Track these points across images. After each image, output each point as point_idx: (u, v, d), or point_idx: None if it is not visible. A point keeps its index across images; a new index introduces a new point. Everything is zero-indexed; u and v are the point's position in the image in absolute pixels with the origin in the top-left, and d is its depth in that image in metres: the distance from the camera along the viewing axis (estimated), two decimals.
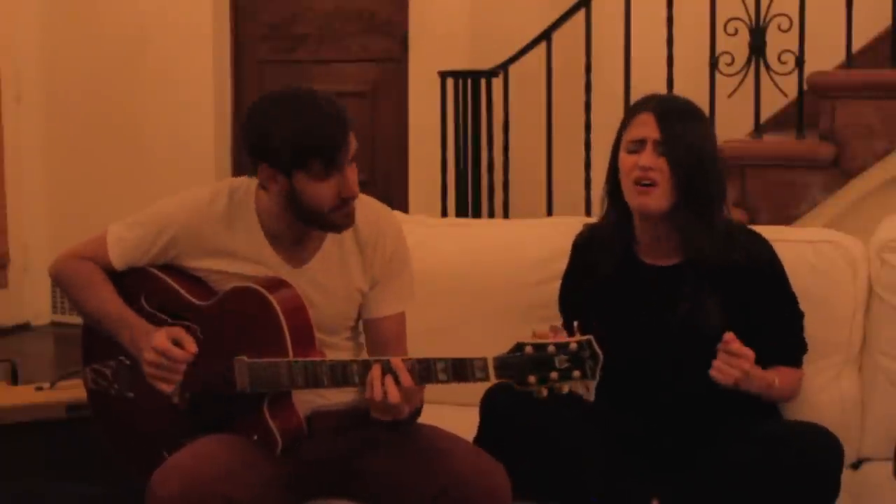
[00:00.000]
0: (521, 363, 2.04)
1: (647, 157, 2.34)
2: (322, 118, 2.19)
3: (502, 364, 2.05)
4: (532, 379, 2.03)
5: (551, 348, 2.02)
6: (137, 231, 2.39)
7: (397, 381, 2.11)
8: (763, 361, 2.34)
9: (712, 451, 2.27)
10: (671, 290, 2.38)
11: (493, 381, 2.07)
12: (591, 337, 2.02)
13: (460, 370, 2.08)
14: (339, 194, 2.23)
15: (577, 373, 2.02)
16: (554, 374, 2.02)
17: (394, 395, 2.10)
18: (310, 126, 2.19)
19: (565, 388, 2.03)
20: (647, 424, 2.38)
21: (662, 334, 2.36)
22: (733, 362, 2.24)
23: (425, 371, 2.11)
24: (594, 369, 2.01)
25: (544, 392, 2.04)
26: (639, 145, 2.36)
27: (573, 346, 2.02)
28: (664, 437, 2.36)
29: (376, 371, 2.12)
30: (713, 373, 2.24)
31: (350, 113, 2.25)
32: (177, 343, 2.25)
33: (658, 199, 2.35)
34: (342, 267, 2.37)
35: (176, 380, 2.25)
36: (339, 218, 2.27)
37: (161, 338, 2.25)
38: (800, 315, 2.46)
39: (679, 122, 2.36)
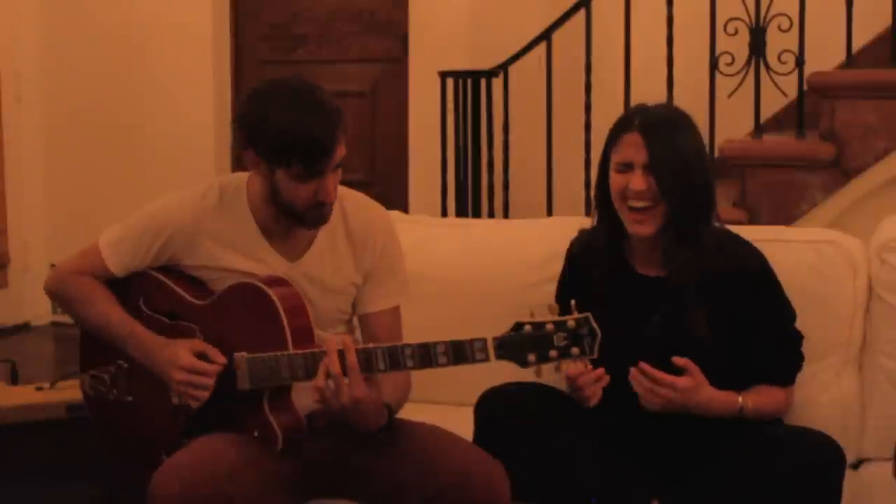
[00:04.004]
0: (520, 342, 2.04)
1: (638, 181, 2.31)
2: (312, 124, 2.18)
3: (502, 344, 2.06)
4: (532, 357, 2.04)
5: (550, 326, 2.03)
6: (131, 235, 2.39)
7: (344, 364, 2.10)
8: (748, 378, 2.34)
9: (712, 455, 2.27)
10: (659, 300, 2.37)
11: (493, 360, 2.07)
12: (588, 314, 2.03)
13: (460, 352, 2.08)
14: (315, 197, 2.24)
15: (575, 350, 2.03)
16: (553, 352, 2.03)
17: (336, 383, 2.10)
18: (298, 129, 2.17)
19: (564, 366, 2.05)
20: (642, 429, 2.37)
21: (649, 344, 2.35)
22: (655, 390, 2.25)
23: (425, 355, 2.11)
24: (592, 345, 2.03)
25: (543, 371, 2.04)
26: (627, 167, 2.33)
27: (571, 323, 2.03)
28: (659, 442, 2.35)
29: (332, 359, 2.12)
30: (642, 401, 2.26)
31: (346, 116, 2.24)
32: (202, 356, 2.25)
33: (651, 226, 2.33)
34: (335, 261, 2.38)
35: (206, 396, 2.25)
36: (312, 217, 2.28)
37: (187, 356, 2.24)
38: (793, 328, 2.42)
39: (666, 140, 2.31)
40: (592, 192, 2.49)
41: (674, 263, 2.34)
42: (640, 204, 2.32)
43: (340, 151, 2.23)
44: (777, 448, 2.20)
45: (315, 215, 2.28)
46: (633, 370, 2.26)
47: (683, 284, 2.33)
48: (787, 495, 2.14)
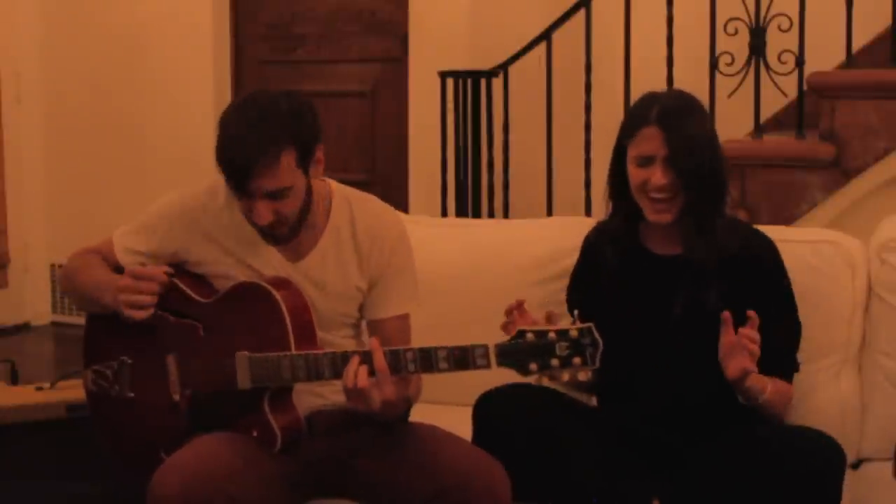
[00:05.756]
0: (522, 350, 2.05)
1: (660, 175, 2.33)
2: (237, 147, 2.16)
3: (504, 351, 2.06)
4: (533, 366, 2.04)
5: (552, 335, 2.04)
6: (139, 230, 2.42)
7: (371, 367, 2.12)
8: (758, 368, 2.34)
9: (713, 453, 2.27)
10: (675, 278, 2.39)
11: (495, 367, 2.08)
12: (591, 324, 2.03)
13: (462, 358, 2.08)
14: (249, 216, 2.24)
15: (577, 360, 2.03)
16: (555, 361, 2.03)
17: (362, 381, 2.11)
18: (223, 147, 2.18)
19: (565, 376, 2.05)
20: (648, 417, 2.38)
21: (665, 322, 2.37)
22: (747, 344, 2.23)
23: (427, 360, 2.11)
24: (594, 356, 2.03)
25: (545, 380, 2.04)
26: (647, 161, 2.35)
27: (574, 333, 2.03)
28: (664, 433, 2.36)
29: (354, 360, 2.13)
30: (746, 366, 2.22)
31: (322, 136, 2.25)
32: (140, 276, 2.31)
33: (672, 214, 2.36)
34: (339, 264, 2.38)
35: (148, 301, 2.28)
36: (265, 232, 2.28)
37: (124, 277, 2.31)
38: (797, 328, 2.43)
39: (683, 132, 2.33)
40: (603, 185, 2.49)
41: (693, 249, 2.36)
42: (661, 195, 2.34)
43: (269, 182, 2.17)
44: (777, 448, 2.20)
45: (266, 232, 2.28)
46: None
47: (703, 265, 2.35)
48: (788, 495, 2.14)
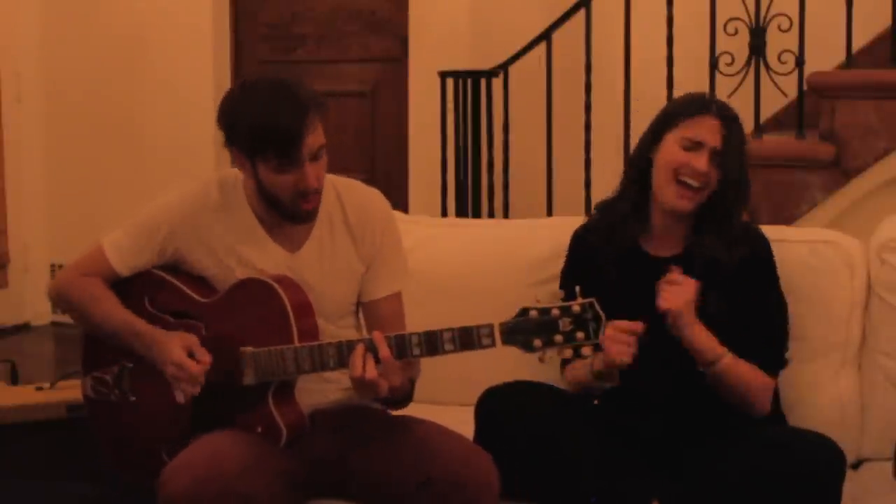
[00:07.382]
0: (526, 327, 2.07)
1: (704, 163, 2.36)
2: (279, 112, 2.19)
3: (508, 329, 2.08)
4: (538, 342, 2.06)
5: (555, 311, 2.06)
6: (136, 233, 2.39)
7: (376, 356, 2.13)
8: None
9: (712, 454, 2.27)
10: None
11: (500, 345, 2.10)
12: (593, 299, 2.06)
13: (467, 338, 2.11)
14: (296, 187, 2.25)
15: (580, 334, 2.05)
16: (558, 337, 2.06)
17: (370, 372, 2.12)
18: (266, 120, 2.19)
19: (567, 353, 2.07)
20: (648, 417, 2.38)
21: (666, 322, 2.36)
22: (676, 290, 2.29)
23: (432, 342, 2.13)
24: (597, 330, 2.05)
25: (549, 355, 2.06)
26: (696, 146, 2.37)
27: (576, 308, 2.06)
28: (664, 433, 2.36)
29: (359, 349, 2.15)
30: (660, 301, 2.30)
31: (329, 107, 2.26)
32: (191, 354, 2.26)
33: (694, 204, 2.38)
34: (336, 250, 2.39)
35: (197, 390, 2.26)
36: (297, 209, 2.29)
37: (178, 351, 2.25)
38: (785, 323, 2.43)
39: (737, 132, 2.41)
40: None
41: (702, 248, 2.39)
42: (694, 183, 2.36)
43: (315, 139, 2.23)
44: (777, 449, 2.20)
45: (302, 208, 2.28)
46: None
47: (713, 266, 2.37)
48: (787, 496, 2.14)
